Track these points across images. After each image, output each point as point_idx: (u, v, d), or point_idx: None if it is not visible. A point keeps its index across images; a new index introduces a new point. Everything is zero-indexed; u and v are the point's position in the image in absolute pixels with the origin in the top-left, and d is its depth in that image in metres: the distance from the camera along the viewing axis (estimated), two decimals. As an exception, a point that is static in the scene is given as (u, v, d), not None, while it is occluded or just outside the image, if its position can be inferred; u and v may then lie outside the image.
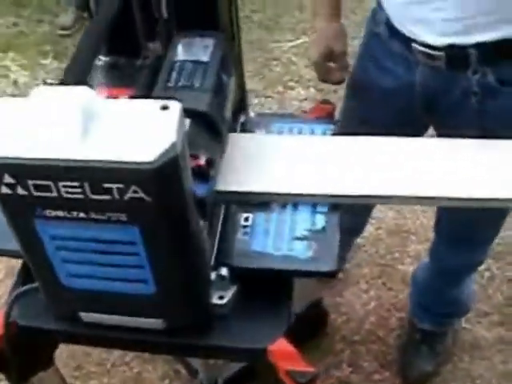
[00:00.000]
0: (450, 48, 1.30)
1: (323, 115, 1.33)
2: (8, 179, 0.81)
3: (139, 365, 1.99)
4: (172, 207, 0.84)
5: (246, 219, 1.10)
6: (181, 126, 0.80)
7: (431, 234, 2.11)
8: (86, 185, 0.80)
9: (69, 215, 0.85)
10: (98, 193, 0.81)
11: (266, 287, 1.06)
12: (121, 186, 0.79)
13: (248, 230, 1.09)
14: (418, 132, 1.47)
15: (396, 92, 1.43)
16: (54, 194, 0.82)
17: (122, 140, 0.79)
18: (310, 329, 1.91)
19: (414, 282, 1.97)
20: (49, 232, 0.89)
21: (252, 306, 1.06)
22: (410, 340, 1.99)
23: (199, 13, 1.12)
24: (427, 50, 1.32)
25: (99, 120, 0.80)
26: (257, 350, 1.03)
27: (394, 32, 1.37)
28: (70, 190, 0.81)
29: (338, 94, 2.68)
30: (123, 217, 0.84)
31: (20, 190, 0.82)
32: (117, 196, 0.81)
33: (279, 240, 1.07)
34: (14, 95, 2.89)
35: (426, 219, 2.30)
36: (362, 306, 2.10)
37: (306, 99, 2.75)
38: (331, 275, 1.07)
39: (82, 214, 0.84)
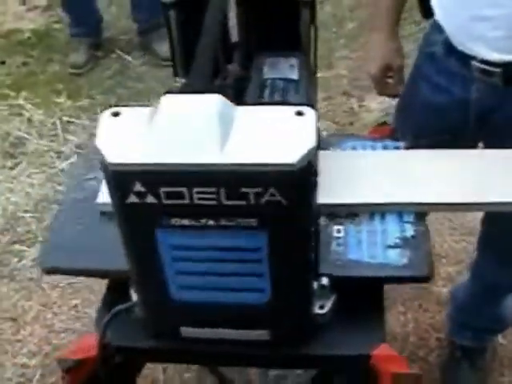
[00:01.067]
0: (507, 64, 1.34)
1: (385, 135, 1.35)
2: (138, 188, 0.82)
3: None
4: (303, 211, 0.86)
5: (338, 231, 1.11)
6: (316, 131, 0.81)
7: (461, 256, 2.15)
8: (222, 190, 0.81)
9: (196, 223, 0.86)
10: (233, 198, 0.82)
11: (359, 295, 1.07)
12: (259, 189, 0.81)
13: (341, 241, 1.10)
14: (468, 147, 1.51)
15: (449, 109, 1.47)
16: (186, 200, 0.82)
17: (260, 144, 0.80)
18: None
19: (454, 300, 1.99)
20: (170, 242, 0.89)
21: (349, 313, 1.07)
22: (451, 357, 2.00)
23: (282, 35, 1.15)
24: (485, 67, 1.36)
25: (236, 126, 0.82)
26: (361, 356, 1.04)
27: (451, 50, 1.41)
28: (203, 196, 0.82)
29: (354, 127, 2.75)
30: (254, 222, 0.85)
31: (149, 199, 0.83)
32: (252, 201, 0.82)
33: (373, 249, 1.08)
34: (29, 133, 2.90)
35: (454, 242, 2.34)
36: (402, 328, 2.11)
37: (323, 131, 2.79)
38: (426, 280, 1.08)
39: (210, 222, 0.85)
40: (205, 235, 0.87)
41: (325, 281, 1.05)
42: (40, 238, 2.49)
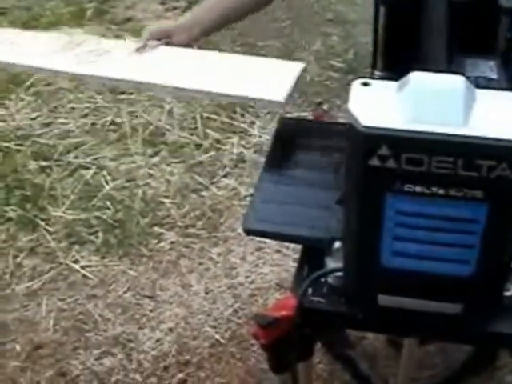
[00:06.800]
0: None
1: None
2: (384, 151, 0.91)
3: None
4: (526, 189, 0.94)
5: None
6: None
7: None
8: (460, 160, 0.90)
9: (427, 191, 0.94)
10: (468, 169, 0.90)
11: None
12: (493, 163, 0.89)
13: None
14: None
15: None
16: (424, 168, 0.92)
17: (500, 122, 0.89)
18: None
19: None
20: (397, 207, 0.97)
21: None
22: None
23: (481, 39, 1.23)
24: None
25: (477, 104, 0.91)
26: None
27: None
28: (441, 165, 0.91)
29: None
30: (479, 194, 0.93)
31: (390, 163, 0.92)
32: (484, 173, 0.90)
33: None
34: (170, 124, 3.04)
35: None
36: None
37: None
38: None
39: (440, 190, 0.94)
40: (430, 203, 0.96)
41: (516, 263, 1.12)
42: (179, 223, 2.62)
